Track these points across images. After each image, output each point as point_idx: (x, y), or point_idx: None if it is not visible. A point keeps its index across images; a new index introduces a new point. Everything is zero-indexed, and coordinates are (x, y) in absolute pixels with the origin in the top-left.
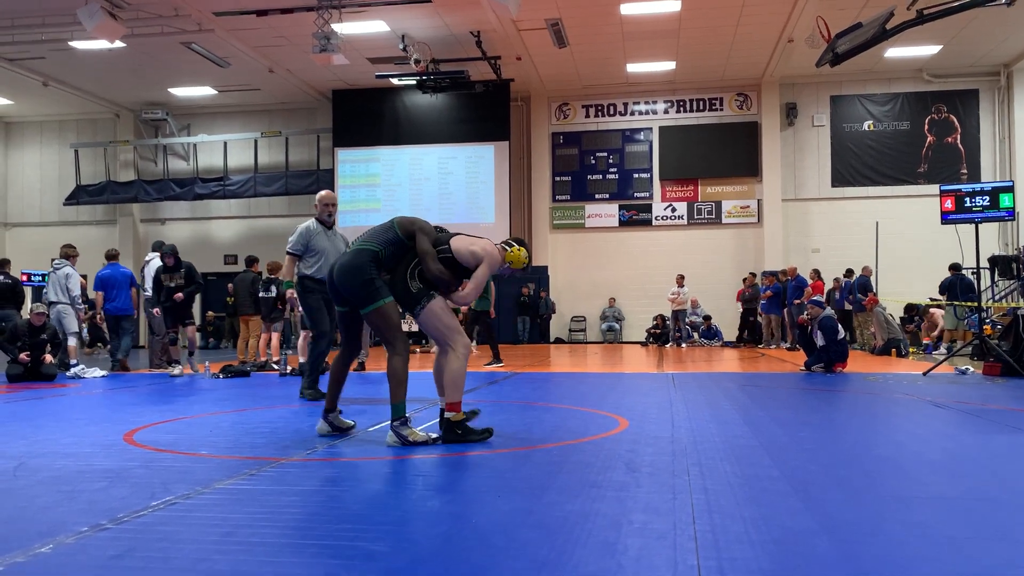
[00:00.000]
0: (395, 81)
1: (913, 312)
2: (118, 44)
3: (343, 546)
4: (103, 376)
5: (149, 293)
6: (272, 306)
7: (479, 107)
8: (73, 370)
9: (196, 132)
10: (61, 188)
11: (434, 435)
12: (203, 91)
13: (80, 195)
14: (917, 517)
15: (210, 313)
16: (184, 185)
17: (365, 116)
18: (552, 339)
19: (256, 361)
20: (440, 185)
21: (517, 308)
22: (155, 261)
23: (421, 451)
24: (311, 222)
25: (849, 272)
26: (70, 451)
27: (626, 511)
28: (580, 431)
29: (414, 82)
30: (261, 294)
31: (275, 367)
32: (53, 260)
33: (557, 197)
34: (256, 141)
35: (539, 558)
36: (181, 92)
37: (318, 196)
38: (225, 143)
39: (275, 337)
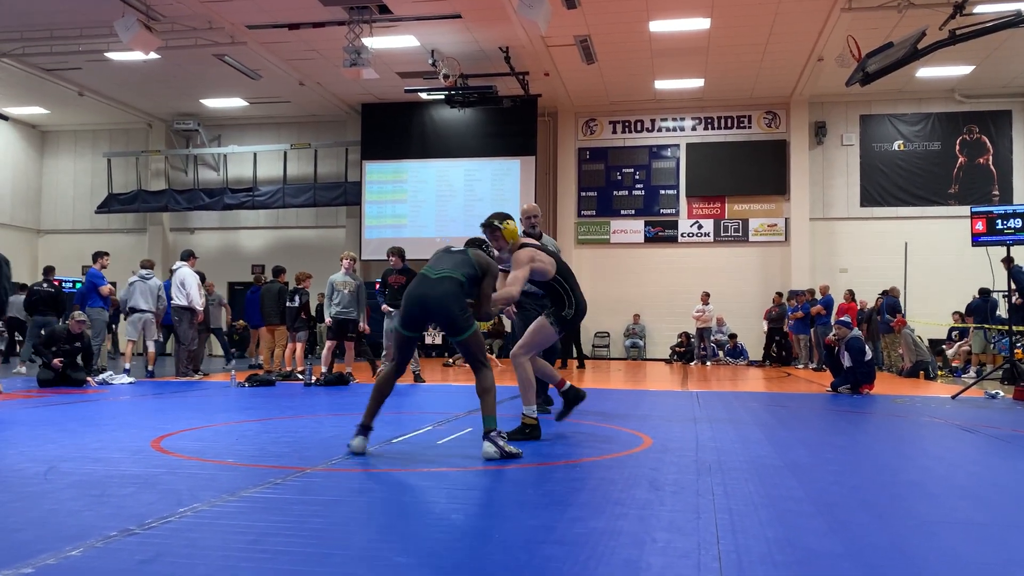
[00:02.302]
0: (424, 95)
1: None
2: (152, 56)
3: (368, 557)
4: (131, 383)
5: (177, 301)
6: (296, 316)
7: (506, 122)
8: (101, 376)
9: (226, 143)
10: (93, 196)
11: (518, 450)
12: (234, 103)
13: (112, 203)
14: (944, 542)
15: (240, 322)
16: (214, 195)
17: (393, 129)
18: (575, 354)
19: (281, 371)
20: (466, 199)
21: None
22: (183, 269)
23: (447, 465)
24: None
25: (885, 293)
26: (99, 456)
27: (649, 529)
28: (603, 448)
29: (443, 97)
30: (288, 304)
31: (300, 377)
32: (138, 270)
33: (583, 212)
34: (285, 153)
35: (562, 574)
36: (212, 103)
37: (522, 210)
38: (255, 154)
39: (299, 347)
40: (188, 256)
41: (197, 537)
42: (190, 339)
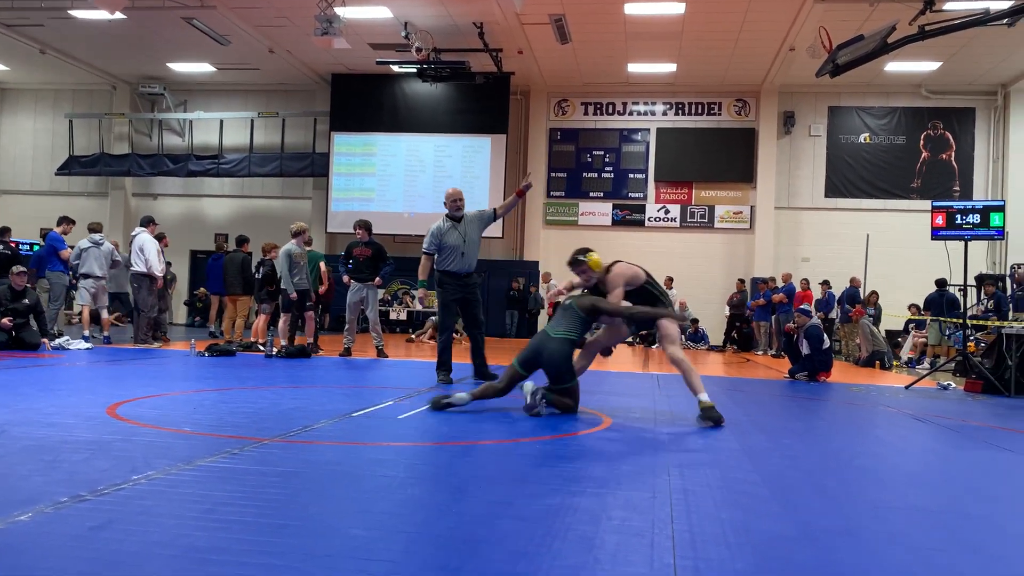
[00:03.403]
0: (396, 68)
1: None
2: (119, 16)
3: (324, 528)
4: (87, 348)
5: (136, 268)
6: (262, 287)
7: (478, 99)
8: (58, 340)
9: (192, 109)
10: (54, 158)
11: None
12: (202, 68)
13: (72, 166)
14: (894, 527)
15: (201, 290)
16: (178, 161)
17: (363, 101)
18: None
19: (242, 341)
20: (435, 175)
21: (506, 302)
22: (143, 235)
23: (406, 439)
24: (441, 221)
25: (826, 283)
26: (52, 421)
27: (606, 507)
28: (564, 427)
29: (415, 70)
30: (256, 275)
31: (261, 348)
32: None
33: (552, 193)
34: (252, 121)
35: (518, 549)
36: (179, 68)
37: (446, 193)
38: (221, 121)
39: (263, 319)
40: (148, 222)
41: (150, 505)
42: (149, 306)
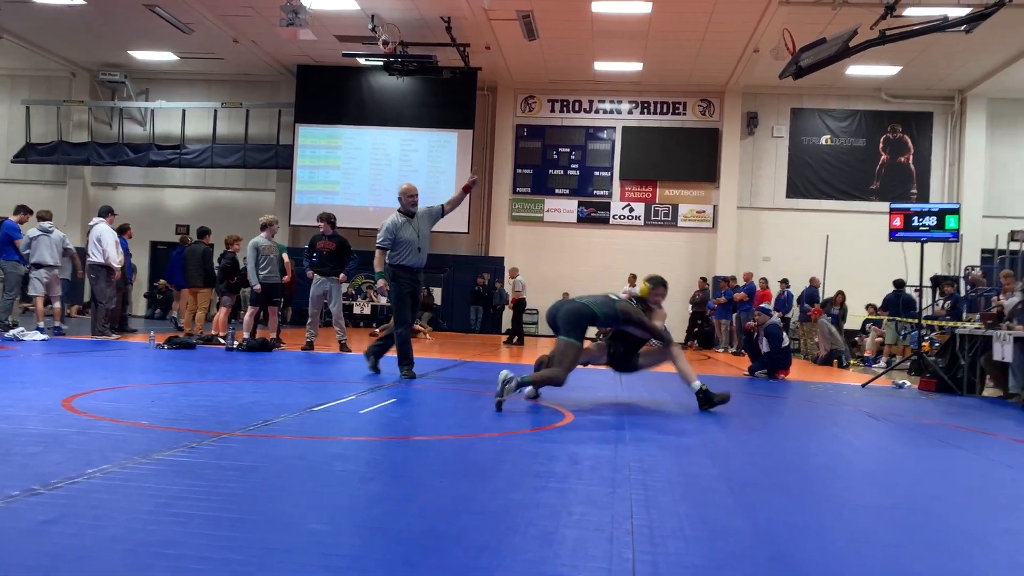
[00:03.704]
0: (362, 61)
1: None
2: (78, 1)
3: (282, 522)
4: (43, 340)
5: (93, 258)
6: (223, 279)
7: (445, 93)
8: (12, 331)
9: (154, 98)
10: (9, 145)
11: None
12: (164, 56)
13: (29, 153)
14: (850, 523)
15: (161, 282)
16: (139, 151)
17: (329, 93)
18: (504, 330)
19: (203, 334)
20: (401, 169)
21: (472, 297)
22: (100, 225)
23: (368, 434)
24: (396, 216)
25: (784, 282)
26: (5, 413)
27: (566, 502)
28: (526, 422)
29: (381, 63)
30: (217, 267)
31: (221, 341)
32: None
33: (518, 189)
34: (216, 111)
35: (479, 543)
36: (141, 56)
37: (401, 189)
38: (184, 111)
39: (223, 312)
40: (106, 212)
41: (105, 499)
42: (108, 297)
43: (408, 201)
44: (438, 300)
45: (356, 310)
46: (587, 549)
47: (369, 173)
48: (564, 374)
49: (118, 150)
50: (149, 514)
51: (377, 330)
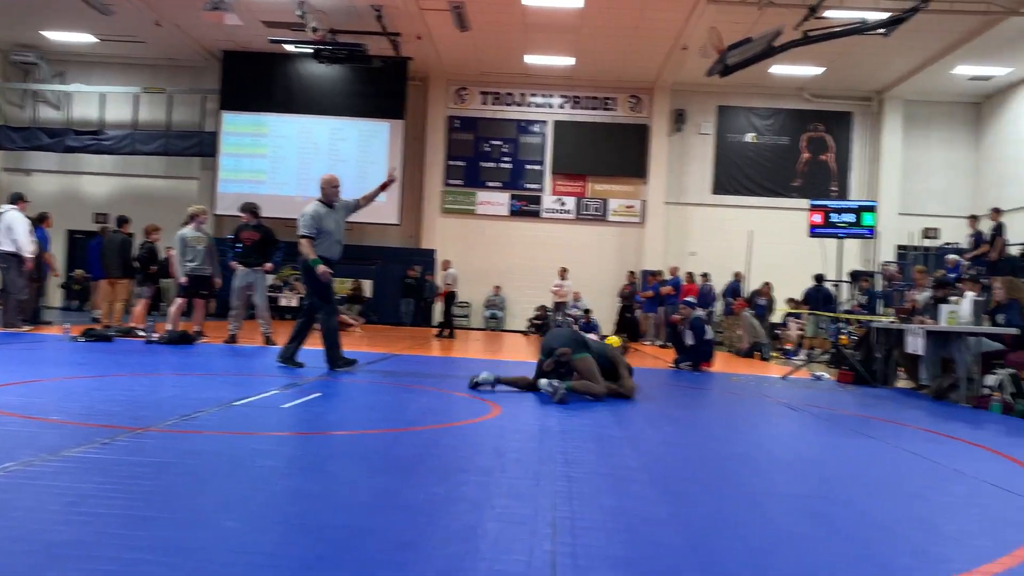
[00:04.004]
0: (290, 48)
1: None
2: None
3: (196, 520)
4: None
5: (2, 247)
6: (142, 269)
7: (376, 83)
8: None
9: (71, 81)
10: None
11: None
12: (82, 38)
13: None
14: (766, 513)
15: (78, 272)
16: (55, 135)
17: (256, 80)
18: (436, 323)
19: (121, 326)
20: (330, 159)
21: (403, 290)
22: (11, 213)
23: (290, 429)
24: (317, 205)
25: (704, 276)
26: None
27: (489, 496)
28: (453, 415)
29: (310, 51)
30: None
31: (141, 334)
32: None
33: (449, 181)
34: (137, 96)
35: (399, 539)
36: (57, 36)
37: (324, 179)
38: (103, 95)
39: (142, 303)
40: (17, 199)
41: (9, 498)
42: (19, 288)
43: (332, 191)
44: (368, 292)
45: (283, 302)
46: (508, 542)
47: (297, 162)
48: (603, 386)
49: (32, 134)
50: (53, 513)
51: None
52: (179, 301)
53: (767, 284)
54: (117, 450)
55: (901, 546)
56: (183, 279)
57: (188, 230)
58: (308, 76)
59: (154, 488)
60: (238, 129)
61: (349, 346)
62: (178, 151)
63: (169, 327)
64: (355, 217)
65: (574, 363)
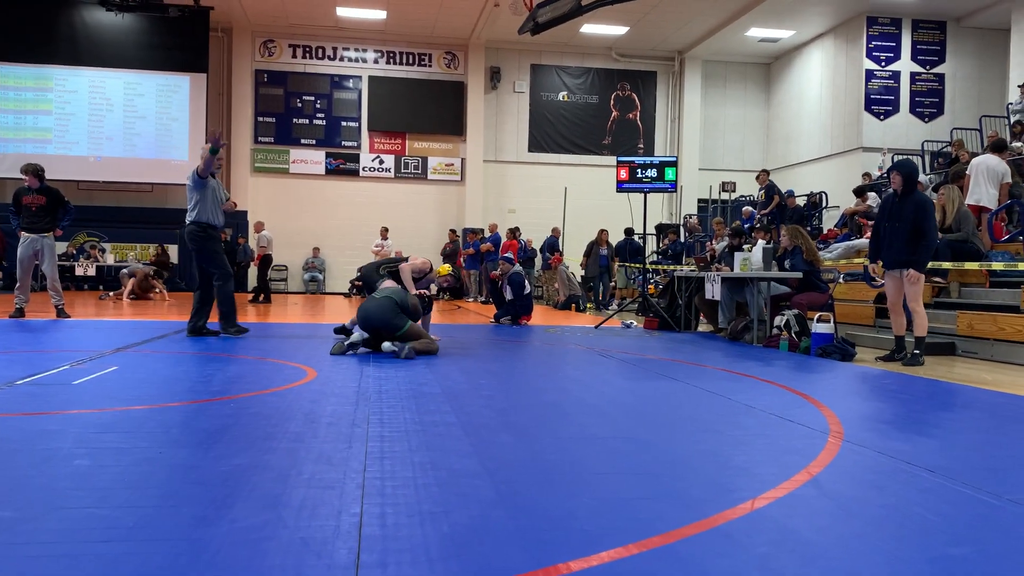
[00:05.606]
0: None
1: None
2: None
3: None
4: None
5: None
6: None
7: (173, 33)
8: None
9: None
10: None
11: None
12: None
13: None
14: (571, 456)
15: None
16: None
17: (35, 28)
18: (250, 288)
19: None
20: (126, 116)
21: None
22: None
23: (81, 407)
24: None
25: (513, 231)
26: None
27: (297, 463)
28: (264, 382)
29: None
30: None
31: None
32: None
33: (260, 139)
34: None
35: (195, 514)
36: None
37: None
38: None
39: None
40: None
41: None
42: None
43: (216, 163)
44: (174, 258)
45: (79, 271)
46: (314, 508)
47: (88, 120)
48: (435, 343)
49: None
50: None
51: (110, 294)
52: None
53: (603, 231)
54: None
55: (694, 478)
56: None
57: None
58: (98, 26)
59: None
60: (16, 83)
61: (155, 315)
62: None
63: None
64: (157, 177)
65: (407, 336)
